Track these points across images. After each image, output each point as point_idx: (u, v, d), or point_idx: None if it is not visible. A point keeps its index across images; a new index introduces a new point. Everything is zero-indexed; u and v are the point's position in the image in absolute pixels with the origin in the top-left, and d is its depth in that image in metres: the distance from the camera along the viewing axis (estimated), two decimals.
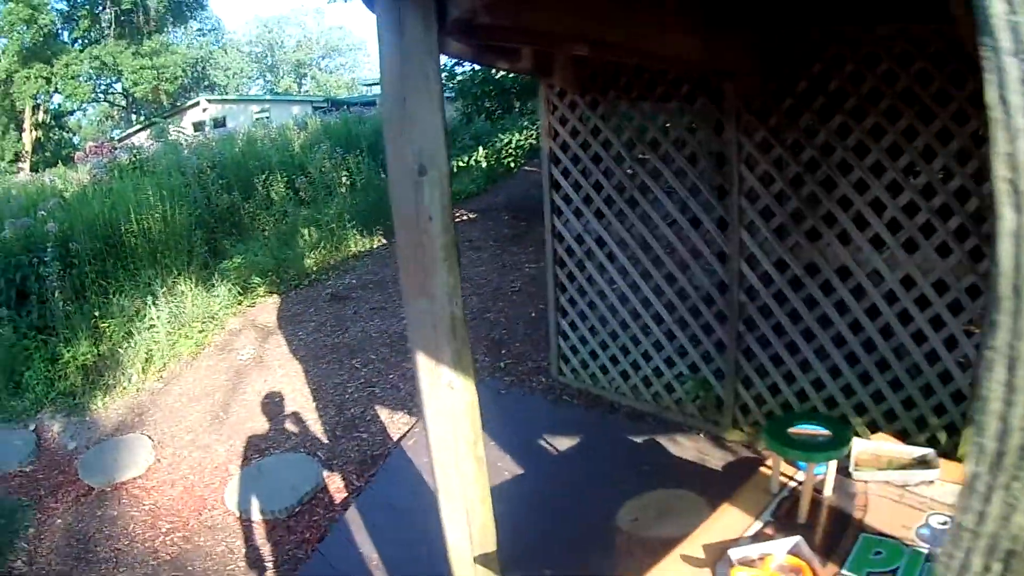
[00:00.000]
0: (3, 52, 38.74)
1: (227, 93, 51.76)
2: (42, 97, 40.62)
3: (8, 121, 40.32)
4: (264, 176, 13.53)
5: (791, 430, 2.90)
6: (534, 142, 11.31)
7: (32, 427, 7.54)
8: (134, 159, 14.40)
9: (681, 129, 5.38)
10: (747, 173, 4.97)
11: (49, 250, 8.95)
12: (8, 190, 14.13)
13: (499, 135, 11.68)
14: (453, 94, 15.81)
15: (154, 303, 8.82)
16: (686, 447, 5.50)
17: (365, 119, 21.11)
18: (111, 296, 9.18)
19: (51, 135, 44.92)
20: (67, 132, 49.12)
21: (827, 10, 4.28)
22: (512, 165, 11.91)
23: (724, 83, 4.88)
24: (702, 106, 5.17)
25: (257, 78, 72.96)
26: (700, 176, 5.29)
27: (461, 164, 12.03)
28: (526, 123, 11.65)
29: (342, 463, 5.98)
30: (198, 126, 32.62)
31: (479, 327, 8.07)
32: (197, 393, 7.69)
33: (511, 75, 11.24)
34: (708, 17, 3.90)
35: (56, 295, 8.81)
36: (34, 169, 34.57)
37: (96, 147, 16.86)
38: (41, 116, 42.07)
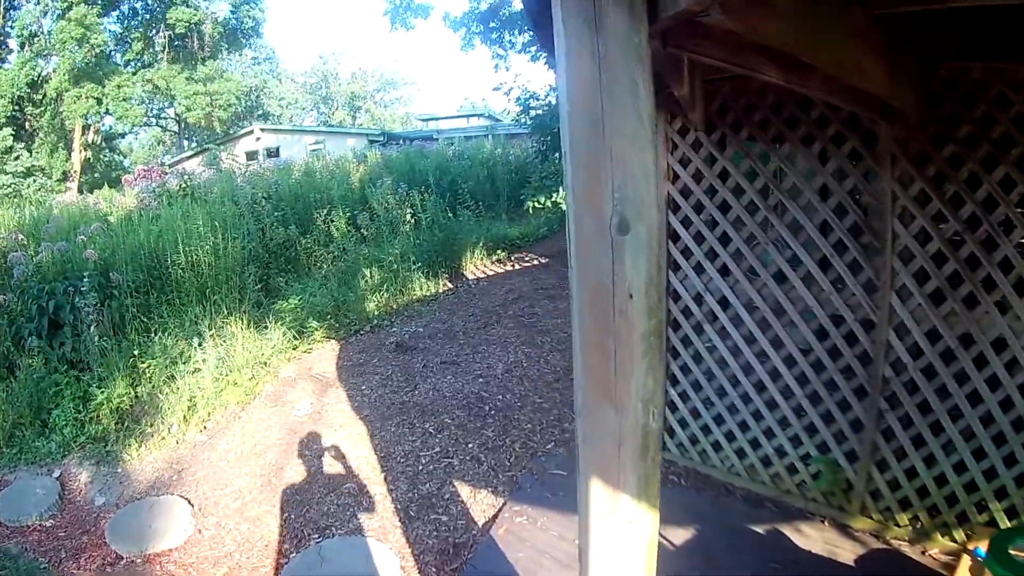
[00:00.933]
0: (54, 71, 39.96)
1: (281, 123, 52.53)
2: (92, 118, 41.78)
3: (57, 140, 41.58)
4: (325, 211, 13.23)
5: (1012, 551, 2.93)
6: None
7: (56, 474, 6.95)
8: (184, 185, 14.16)
9: (827, 176, 4.76)
10: (901, 229, 4.44)
11: (86, 279, 8.43)
12: (49, 208, 13.76)
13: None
14: (528, 129, 15.39)
15: (200, 345, 8.32)
16: (812, 537, 4.94)
17: (427, 154, 21.07)
18: (153, 334, 8.69)
19: (101, 156, 46.58)
20: (118, 154, 51.57)
21: (989, 43, 3.75)
22: None
23: (877, 124, 4.36)
24: (852, 150, 4.64)
25: (311, 109, 74.44)
26: (847, 231, 4.70)
27: (537, 205, 11.56)
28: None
29: (419, 551, 5.29)
30: (251, 155, 32.82)
31: (566, 390, 7.46)
32: (246, 451, 7.06)
33: None
34: (889, 42, 3.32)
35: (92, 329, 8.28)
36: (82, 190, 35.57)
37: (146, 171, 16.66)
38: (91, 137, 43.47)
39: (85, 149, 43.21)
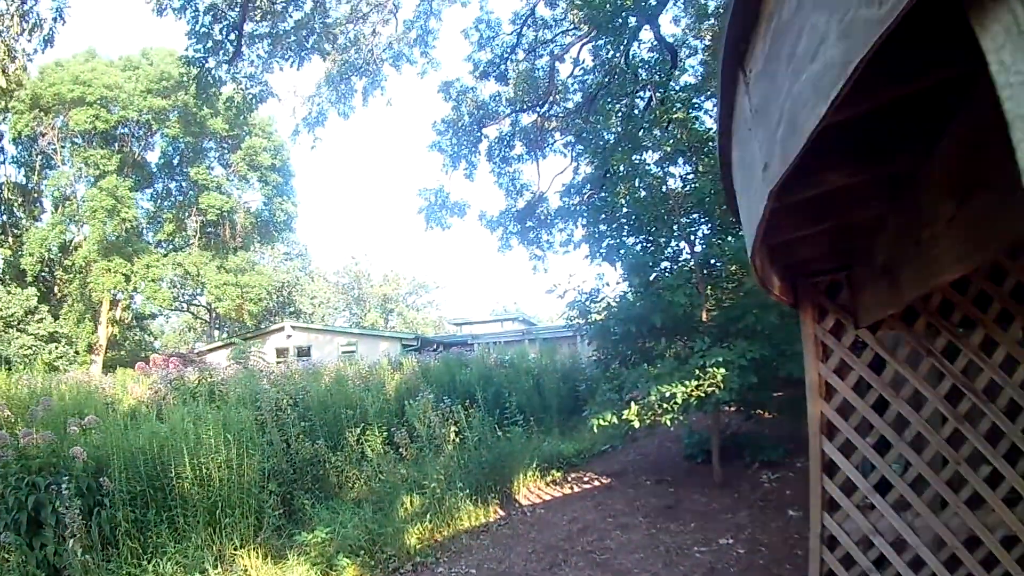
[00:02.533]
0: (85, 239, 42.31)
1: (312, 321, 54.26)
2: (121, 294, 43.95)
3: (85, 310, 43.46)
4: (359, 427, 12.47)
5: None
6: (703, 394, 9.89)
7: None
8: (204, 380, 13.79)
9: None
10: None
11: (67, 482, 7.62)
12: (48, 387, 12.79)
13: (657, 386, 9.99)
14: (570, 332, 14.62)
15: None
16: None
17: (466, 361, 20.70)
18: (148, 559, 7.79)
19: (130, 334, 49.26)
20: (148, 335, 54.44)
21: None
22: (669, 423, 10.33)
23: None
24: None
25: (343, 309, 76.24)
26: None
27: (603, 423, 10.49)
28: (696, 372, 9.95)
29: None
30: (281, 352, 33.45)
31: None
32: None
33: (664, 310, 10.58)
34: None
35: (71, 542, 7.39)
36: (108, 365, 37.85)
37: (164, 359, 15.97)
38: (119, 313, 45.53)
39: (112, 324, 44.74)
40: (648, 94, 17.49)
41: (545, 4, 23.84)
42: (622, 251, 11.97)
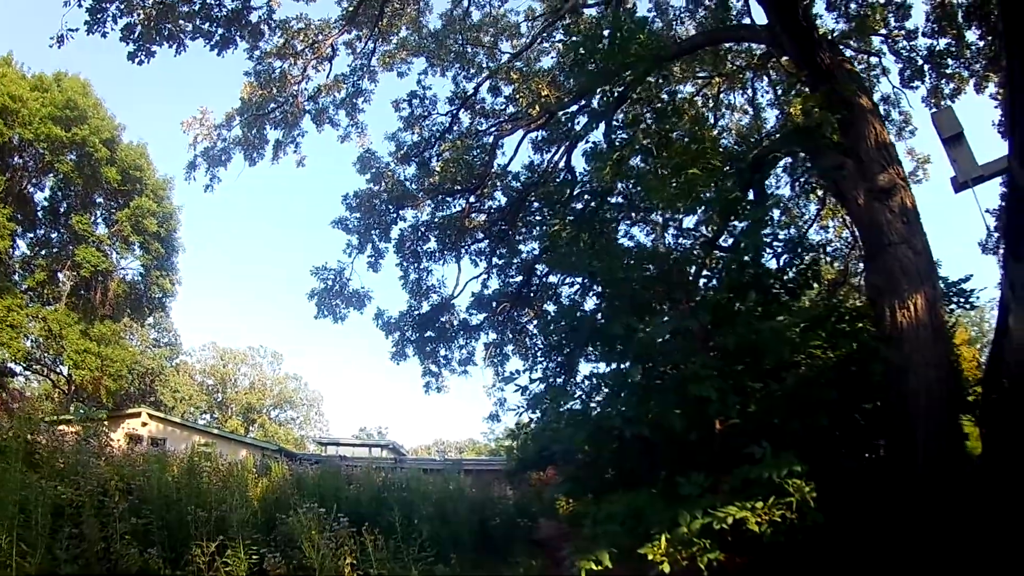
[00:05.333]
0: None
1: (171, 415, 49.79)
2: None
3: None
4: (215, 542, 8.80)
5: None
6: (795, 516, 7.48)
7: None
8: (20, 437, 10.58)
9: None
10: None
11: None
12: None
13: (696, 511, 7.59)
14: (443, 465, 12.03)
15: None
16: None
17: (352, 478, 17.67)
18: None
19: None
20: (6, 395, 48.26)
21: None
22: (703, 566, 7.69)
23: None
24: None
25: (205, 411, 74.45)
26: None
27: (595, 568, 7.78)
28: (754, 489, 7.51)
29: None
30: (134, 439, 29.84)
31: None
32: None
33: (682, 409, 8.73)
34: None
35: None
36: None
37: None
38: None
39: None
40: (583, 203, 16.14)
41: (488, 90, 22.08)
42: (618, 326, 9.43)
